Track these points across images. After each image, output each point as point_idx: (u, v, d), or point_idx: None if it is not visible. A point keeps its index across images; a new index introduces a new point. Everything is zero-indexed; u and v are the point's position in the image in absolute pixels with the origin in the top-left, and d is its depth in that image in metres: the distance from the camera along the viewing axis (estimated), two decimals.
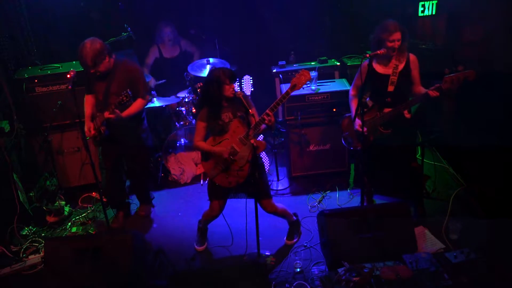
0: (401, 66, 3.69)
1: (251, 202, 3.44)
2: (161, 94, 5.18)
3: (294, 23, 5.50)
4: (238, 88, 4.20)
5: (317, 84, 4.63)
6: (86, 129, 3.90)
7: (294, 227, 3.92)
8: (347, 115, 4.09)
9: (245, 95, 3.37)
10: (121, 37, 4.99)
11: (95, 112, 3.92)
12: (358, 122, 3.63)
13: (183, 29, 5.49)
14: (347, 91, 4.15)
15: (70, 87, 3.40)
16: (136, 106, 3.87)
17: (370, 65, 3.54)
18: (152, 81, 5.24)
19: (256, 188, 3.42)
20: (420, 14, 4.95)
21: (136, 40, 5.12)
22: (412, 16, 5.00)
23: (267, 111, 3.27)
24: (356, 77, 3.91)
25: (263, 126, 3.31)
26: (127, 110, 3.80)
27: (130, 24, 5.04)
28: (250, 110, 3.23)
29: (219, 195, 3.62)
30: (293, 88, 3.25)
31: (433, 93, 3.48)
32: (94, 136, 3.89)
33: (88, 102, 3.99)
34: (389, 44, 3.54)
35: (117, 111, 3.66)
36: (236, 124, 3.43)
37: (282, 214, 3.77)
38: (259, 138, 3.53)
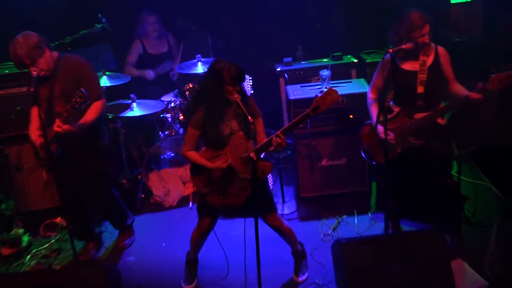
0: (429, 61, 3.73)
1: (250, 229, 3.34)
2: (141, 96, 5.15)
3: (302, 12, 5.53)
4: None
5: (330, 85, 4.63)
6: (33, 139, 3.75)
7: (301, 259, 3.90)
8: (367, 122, 4.11)
9: (244, 99, 3.36)
10: (94, 29, 5.00)
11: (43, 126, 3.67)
12: (381, 129, 3.63)
13: (169, 21, 5.59)
14: (365, 94, 4.20)
15: (32, 89, 3.38)
16: (92, 111, 3.76)
17: (393, 62, 3.59)
18: (149, 73, 5.39)
19: (258, 201, 3.43)
20: (452, 1, 5.04)
21: (113, 32, 5.13)
22: (443, 4, 5.07)
23: (278, 132, 3.26)
24: (376, 76, 3.96)
25: (271, 148, 3.34)
26: (82, 119, 3.70)
27: (106, 15, 5.05)
28: (249, 118, 3.18)
29: (210, 211, 3.65)
30: (314, 110, 3.26)
31: (475, 96, 3.51)
32: (41, 147, 3.72)
33: (34, 114, 3.85)
34: (420, 40, 3.63)
35: (65, 127, 3.52)
36: (240, 138, 3.43)
37: (288, 233, 3.79)
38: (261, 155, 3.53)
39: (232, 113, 3.42)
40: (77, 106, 3.42)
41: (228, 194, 3.51)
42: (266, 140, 3.29)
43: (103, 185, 4.10)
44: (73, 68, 3.73)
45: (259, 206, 3.48)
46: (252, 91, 5.13)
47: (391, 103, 3.92)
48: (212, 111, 3.37)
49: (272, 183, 5.00)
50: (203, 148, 3.51)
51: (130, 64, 5.54)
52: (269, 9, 5.45)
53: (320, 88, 4.69)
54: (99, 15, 5.02)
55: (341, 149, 4.71)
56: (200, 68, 5.10)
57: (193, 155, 3.49)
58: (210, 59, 5.10)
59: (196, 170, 3.54)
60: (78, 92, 3.41)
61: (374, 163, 4.11)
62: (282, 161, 5.10)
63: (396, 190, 4.03)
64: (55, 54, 3.76)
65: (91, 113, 3.74)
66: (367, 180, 4.78)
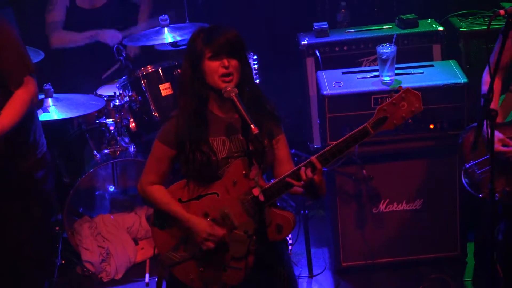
0: None
1: None
2: (63, 88, 4.56)
3: None
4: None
5: (396, 70, 4.08)
6: None
7: None
8: (473, 126, 3.61)
9: (251, 93, 3.04)
10: None
11: None
12: (497, 135, 3.32)
13: None
14: (459, 87, 3.87)
15: None
16: (18, 103, 3.33)
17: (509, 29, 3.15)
18: (111, 34, 4.80)
19: (267, 281, 3.07)
20: None
21: None
22: None
23: (313, 158, 2.87)
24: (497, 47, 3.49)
25: (296, 189, 2.92)
26: (4, 114, 3.24)
27: None
28: (252, 127, 2.71)
29: None
30: (378, 125, 2.84)
31: None
32: None
33: None
34: None
35: None
36: (242, 166, 3.06)
37: None
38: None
39: (233, 123, 3.09)
40: None
41: (214, 267, 3.11)
42: (288, 173, 2.98)
43: (34, 227, 3.48)
44: None
45: None
46: (258, 80, 4.62)
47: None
48: (189, 116, 3.01)
49: (291, 242, 4.43)
50: (181, 182, 3.13)
51: (58, 25, 4.87)
52: None
53: (377, 75, 4.13)
54: None
55: (414, 185, 4.12)
56: (168, 39, 4.61)
57: (159, 192, 3.14)
58: (189, 25, 4.73)
59: (161, 219, 3.17)
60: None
61: (480, 195, 3.60)
62: (310, 204, 4.58)
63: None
64: None
65: (15, 106, 3.27)
66: (459, 239, 4.14)
